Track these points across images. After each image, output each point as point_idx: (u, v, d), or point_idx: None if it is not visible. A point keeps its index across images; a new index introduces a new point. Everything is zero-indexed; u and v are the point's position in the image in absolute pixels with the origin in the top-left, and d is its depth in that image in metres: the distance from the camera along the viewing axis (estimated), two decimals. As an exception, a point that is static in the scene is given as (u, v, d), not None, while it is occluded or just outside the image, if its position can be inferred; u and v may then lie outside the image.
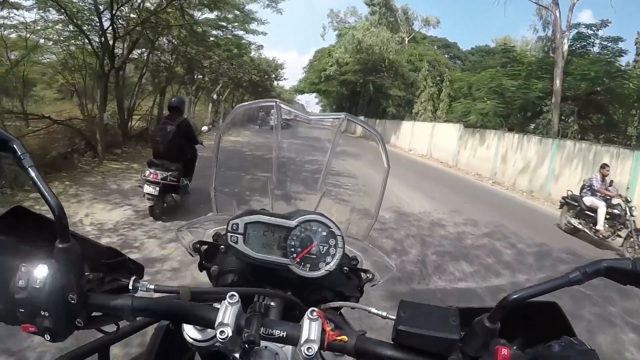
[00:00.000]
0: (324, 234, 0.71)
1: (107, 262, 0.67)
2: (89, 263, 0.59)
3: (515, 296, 0.50)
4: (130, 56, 12.59)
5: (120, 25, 10.29)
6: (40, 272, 0.52)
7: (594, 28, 16.91)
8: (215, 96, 21.11)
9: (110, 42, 9.83)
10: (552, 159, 12.91)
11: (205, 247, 0.79)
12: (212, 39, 22.34)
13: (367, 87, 34.57)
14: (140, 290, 0.58)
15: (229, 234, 0.70)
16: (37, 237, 0.61)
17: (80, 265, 0.55)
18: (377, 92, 30.18)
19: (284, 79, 36.72)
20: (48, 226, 0.61)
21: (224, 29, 21.64)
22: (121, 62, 11.54)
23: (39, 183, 0.53)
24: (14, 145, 0.55)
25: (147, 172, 4.88)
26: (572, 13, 16.05)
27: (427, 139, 21.89)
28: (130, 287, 0.58)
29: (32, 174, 0.54)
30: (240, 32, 22.16)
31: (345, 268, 0.78)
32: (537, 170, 13.46)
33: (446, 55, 31.87)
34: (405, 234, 5.53)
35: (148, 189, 4.82)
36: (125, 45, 11.82)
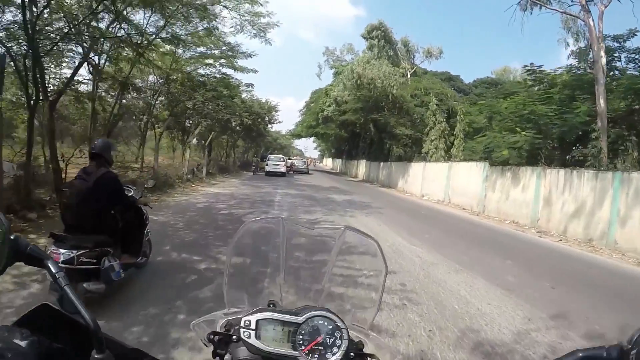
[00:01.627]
0: (330, 327, 0.78)
1: None
2: None
3: None
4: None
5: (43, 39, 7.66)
6: None
7: (620, 40, 14.56)
8: (195, 141, 18.43)
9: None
10: (616, 198, 10.18)
11: (218, 337, 0.81)
12: (197, 77, 20.38)
13: (368, 127, 32.29)
14: None
15: (241, 330, 0.77)
16: (64, 336, 0.66)
17: None
18: (381, 132, 27.78)
19: (279, 122, 34.69)
20: (76, 327, 0.66)
21: (210, 67, 19.69)
22: (56, 93, 8.88)
23: (74, 301, 0.60)
24: (49, 263, 0.63)
25: (49, 252, 3.29)
26: (602, 22, 13.71)
27: (442, 181, 18.93)
28: None
29: (68, 291, 0.61)
30: (230, 71, 20.23)
31: (352, 354, 0.80)
32: (595, 213, 10.72)
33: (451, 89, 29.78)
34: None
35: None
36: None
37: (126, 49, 13.19)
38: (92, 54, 11.00)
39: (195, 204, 10.33)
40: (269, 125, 32.66)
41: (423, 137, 22.92)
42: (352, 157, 42.67)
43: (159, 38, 13.90)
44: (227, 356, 0.78)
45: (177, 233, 6.68)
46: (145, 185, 5.19)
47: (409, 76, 25.97)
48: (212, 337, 0.81)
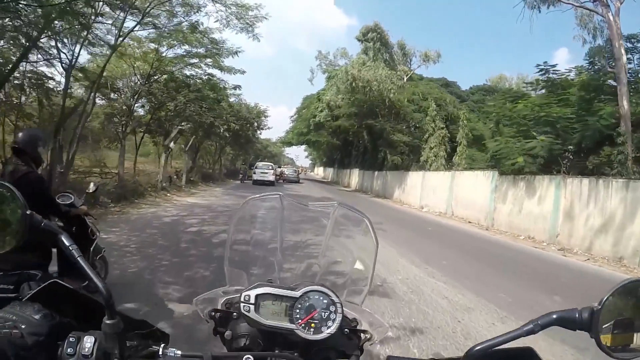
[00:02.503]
0: (325, 301, 0.80)
1: (140, 333, 0.74)
2: (126, 333, 0.65)
3: (478, 347, 0.64)
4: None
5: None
6: (88, 341, 0.62)
7: (633, 40, 13.33)
8: (172, 144, 16.70)
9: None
10: (651, 210, 8.96)
11: (219, 314, 0.83)
12: (181, 78, 18.84)
13: (361, 134, 30.83)
14: (169, 355, 0.69)
15: (241, 304, 0.78)
16: (74, 310, 0.70)
17: (123, 336, 0.63)
18: (375, 139, 26.31)
19: (268, 128, 32.75)
20: (84, 300, 0.72)
21: (195, 67, 18.13)
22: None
23: (87, 270, 0.62)
24: (62, 237, 0.65)
25: None
26: (619, 19, 12.44)
27: (445, 192, 17.41)
28: (160, 354, 0.69)
29: (82, 262, 0.63)
30: (216, 72, 18.72)
31: (346, 330, 0.83)
32: (626, 228, 9.38)
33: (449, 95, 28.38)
34: None
35: None
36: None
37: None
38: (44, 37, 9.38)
39: (162, 218, 8.60)
40: (258, 131, 31.00)
41: (421, 144, 21.49)
42: (344, 165, 41.16)
43: (139, 25, 12.40)
44: (227, 332, 0.81)
45: (120, 260, 4.97)
46: (87, 191, 3.87)
47: (405, 80, 24.53)
48: (213, 314, 0.83)
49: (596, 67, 12.79)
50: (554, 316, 0.63)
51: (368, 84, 20.35)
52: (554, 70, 13.34)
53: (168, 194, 13.42)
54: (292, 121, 38.46)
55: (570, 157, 12.52)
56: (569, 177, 11.21)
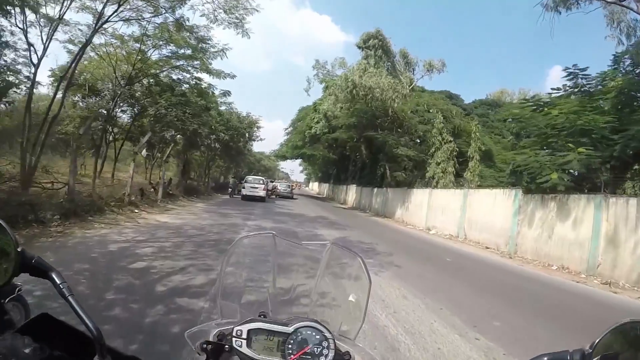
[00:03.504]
0: (318, 337, 0.81)
1: None
2: None
3: None
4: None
5: None
6: None
7: None
8: (144, 152, 14.74)
9: None
10: None
11: (211, 346, 0.82)
12: (166, 81, 17.14)
13: (359, 148, 29.02)
14: None
15: (233, 339, 0.80)
16: (64, 342, 0.68)
17: None
18: (375, 154, 24.48)
19: (260, 139, 30.55)
20: (74, 333, 0.70)
21: (182, 70, 16.42)
22: None
23: (79, 310, 0.63)
24: (54, 275, 0.65)
25: None
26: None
27: (455, 213, 15.49)
28: None
29: (72, 302, 0.64)
30: (206, 78, 17.09)
31: None
32: None
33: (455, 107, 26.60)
34: None
35: None
36: None
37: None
38: None
39: (108, 245, 6.53)
40: (250, 143, 29.03)
41: (427, 159, 19.66)
42: (341, 181, 39.24)
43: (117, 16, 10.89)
44: None
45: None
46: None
47: (408, 89, 22.78)
48: (205, 346, 0.81)
49: (638, 69, 11.04)
50: (545, 358, 0.63)
51: (370, 92, 18.56)
52: (583, 75, 11.62)
53: (135, 210, 11.33)
54: (287, 134, 36.57)
55: (605, 173, 10.72)
56: (612, 197, 9.37)
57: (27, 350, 0.61)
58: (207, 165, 27.23)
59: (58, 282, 0.63)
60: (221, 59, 16.59)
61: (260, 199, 22.84)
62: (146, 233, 8.07)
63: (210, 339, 0.82)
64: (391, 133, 20.81)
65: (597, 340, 0.58)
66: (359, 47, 25.02)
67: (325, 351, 0.79)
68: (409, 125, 21.47)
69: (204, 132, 17.36)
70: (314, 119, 27.45)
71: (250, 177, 24.52)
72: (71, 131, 15.46)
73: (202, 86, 18.59)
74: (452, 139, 19.22)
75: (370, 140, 25.42)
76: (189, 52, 14.83)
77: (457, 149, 19.32)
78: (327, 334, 0.81)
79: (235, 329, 0.80)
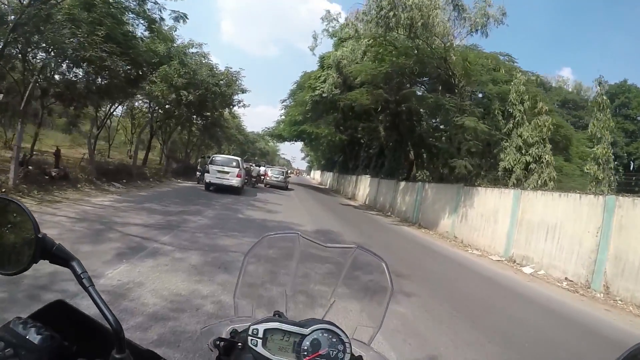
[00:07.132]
0: (334, 340, 0.78)
1: None
2: None
3: None
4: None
5: None
6: None
7: None
8: None
9: None
10: None
11: (224, 343, 0.80)
12: None
13: (376, 130, 21.43)
14: None
15: (249, 337, 0.76)
16: (79, 333, 0.66)
17: None
18: (410, 131, 16.96)
19: (244, 106, 21.39)
20: (90, 324, 0.68)
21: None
22: None
23: (98, 301, 0.59)
24: (74, 264, 0.61)
25: None
26: None
27: (583, 240, 8.06)
28: None
29: (93, 292, 0.60)
30: None
31: None
32: None
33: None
34: None
35: None
36: None
37: None
38: None
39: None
40: (228, 110, 21.30)
41: (504, 141, 12.03)
42: (349, 170, 31.61)
43: None
44: None
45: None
46: None
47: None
48: (217, 342, 0.80)
49: None
50: None
51: (420, 16, 10.72)
52: None
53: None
54: (284, 107, 28.71)
55: None
56: None
57: (37, 340, 0.58)
58: (167, 140, 19.75)
59: (79, 271, 0.60)
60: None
61: (233, 190, 15.26)
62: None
63: (223, 336, 0.80)
64: (453, 94, 12.89)
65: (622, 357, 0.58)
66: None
67: (340, 355, 0.77)
68: (471, 88, 13.69)
69: (116, 67, 9.76)
70: (320, 77, 19.72)
71: (218, 157, 16.17)
72: None
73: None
74: (547, 108, 11.64)
75: (398, 115, 17.72)
76: None
77: (553, 126, 11.75)
78: (344, 338, 0.79)
79: (252, 327, 0.77)
